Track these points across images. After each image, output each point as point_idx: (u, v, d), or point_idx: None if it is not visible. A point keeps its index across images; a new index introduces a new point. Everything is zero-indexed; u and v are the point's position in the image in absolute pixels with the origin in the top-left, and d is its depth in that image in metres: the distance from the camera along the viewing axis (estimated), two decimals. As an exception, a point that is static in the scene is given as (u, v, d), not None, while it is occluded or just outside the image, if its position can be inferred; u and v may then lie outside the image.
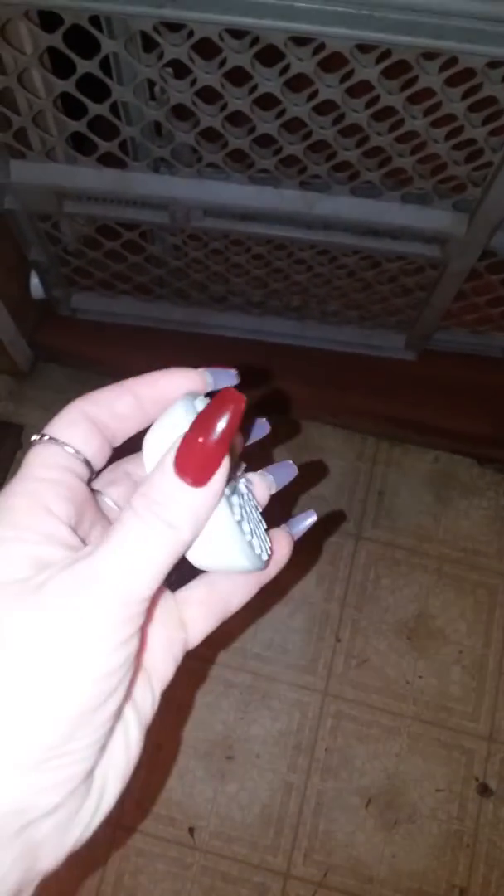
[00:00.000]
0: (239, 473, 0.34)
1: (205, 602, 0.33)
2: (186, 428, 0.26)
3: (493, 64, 0.68)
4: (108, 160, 0.89)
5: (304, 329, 1.26)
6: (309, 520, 0.37)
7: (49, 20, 0.72)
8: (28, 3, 0.69)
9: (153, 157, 0.88)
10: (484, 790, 1.15)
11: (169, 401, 0.30)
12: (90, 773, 0.27)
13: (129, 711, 0.29)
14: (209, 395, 0.30)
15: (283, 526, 0.36)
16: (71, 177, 0.91)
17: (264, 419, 0.36)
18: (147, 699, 0.30)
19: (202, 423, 0.26)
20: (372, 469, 1.32)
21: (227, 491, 0.30)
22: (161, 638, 0.31)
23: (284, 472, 0.37)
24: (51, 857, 0.26)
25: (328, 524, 1.29)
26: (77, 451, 0.30)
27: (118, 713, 0.27)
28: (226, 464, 0.26)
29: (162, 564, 0.26)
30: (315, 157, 0.85)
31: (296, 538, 0.36)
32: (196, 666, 1.19)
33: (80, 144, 0.90)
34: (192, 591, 0.33)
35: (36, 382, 1.37)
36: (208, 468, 0.26)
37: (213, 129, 0.82)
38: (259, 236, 1.00)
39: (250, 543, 0.30)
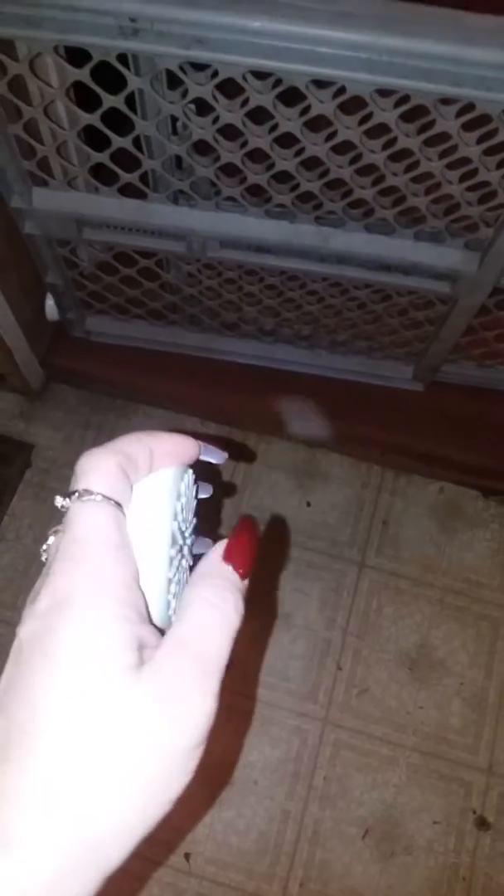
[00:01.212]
0: (188, 533, 0.37)
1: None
2: (176, 493, 0.33)
3: (509, 111, 0.70)
4: (128, 190, 0.91)
5: (314, 357, 1.27)
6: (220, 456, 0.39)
7: (76, 54, 0.74)
8: (58, 40, 0.71)
9: (173, 190, 0.90)
10: (481, 823, 1.15)
11: (168, 457, 0.34)
12: None
13: None
14: (194, 464, 0.36)
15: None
16: (91, 205, 0.93)
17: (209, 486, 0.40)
18: None
19: (246, 540, 0.33)
20: (377, 498, 1.33)
21: (173, 552, 0.33)
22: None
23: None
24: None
25: (332, 551, 1.30)
26: (117, 503, 0.31)
27: None
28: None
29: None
30: (331, 194, 0.87)
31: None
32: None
33: (101, 174, 0.93)
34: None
35: (47, 403, 1.38)
36: (250, 566, 0.33)
37: (232, 164, 0.84)
38: (273, 268, 1.02)
39: (168, 602, 0.33)
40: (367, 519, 1.32)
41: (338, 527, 1.31)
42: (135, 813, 0.26)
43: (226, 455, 0.38)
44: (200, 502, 0.39)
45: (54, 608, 0.27)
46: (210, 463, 0.38)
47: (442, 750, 1.19)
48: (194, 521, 0.38)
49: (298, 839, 1.14)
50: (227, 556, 0.32)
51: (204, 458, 0.37)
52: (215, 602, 0.30)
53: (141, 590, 0.30)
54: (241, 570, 0.32)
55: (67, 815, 0.25)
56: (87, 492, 0.30)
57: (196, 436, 0.36)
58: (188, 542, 0.37)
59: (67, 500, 0.30)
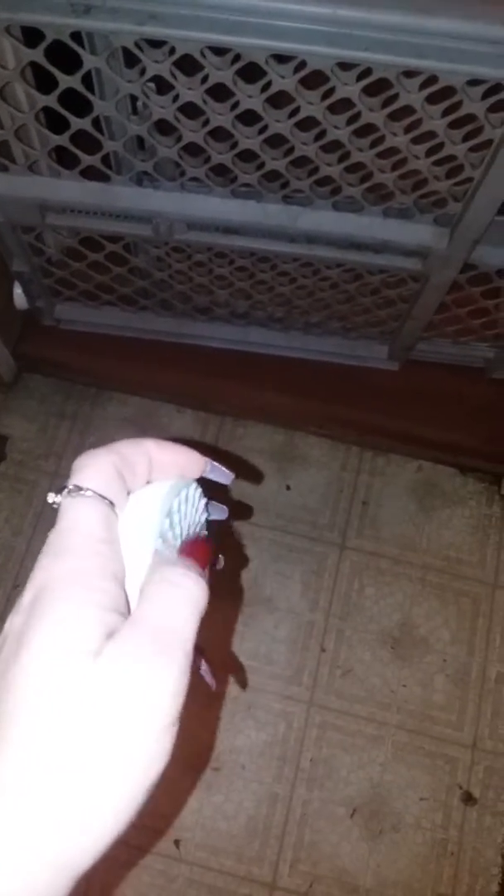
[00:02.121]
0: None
1: None
2: (167, 507, 0.32)
3: (473, 82, 0.69)
4: (91, 174, 0.89)
5: (289, 340, 1.26)
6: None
7: (32, 35, 0.72)
8: (9, 19, 0.69)
9: (136, 171, 0.88)
10: (468, 798, 1.16)
11: (169, 468, 0.34)
12: None
13: None
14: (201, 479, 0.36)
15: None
16: (54, 190, 0.91)
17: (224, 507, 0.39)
18: None
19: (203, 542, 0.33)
20: (356, 479, 1.33)
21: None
22: None
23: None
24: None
25: (313, 534, 1.29)
26: (111, 501, 0.31)
27: None
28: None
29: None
30: (297, 173, 0.86)
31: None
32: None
33: (63, 158, 0.91)
34: None
35: (20, 393, 1.36)
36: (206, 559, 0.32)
37: (195, 143, 0.82)
38: (243, 249, 1.01)
39: None
40: (346, 500, 1.32)
41: (318, 509, 1.31)
42: (108, 798, 0.25)
43: (233, 475, 0.37)
44: (213, 522, 0.38)
45: (34, 602, 0.28)
46: (218, 483, 0.37)
47: (426, 727, 1.19)
48: (202, 535, 0.37)
49: (287, 821, 1.14)
50: (183, 551, 0.32)
51: (209, 476, 0.36)
52: (176, 581, 0.30)
53: (123, 587, 0.30)
54: (199, 562, 0.31)
55: (36, 807, 0.24)
56: (78, 488, 0.30)
57: (206, 453, 0.36)
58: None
59: (59, 496, 0.30)
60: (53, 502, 0.30)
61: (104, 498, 0.30)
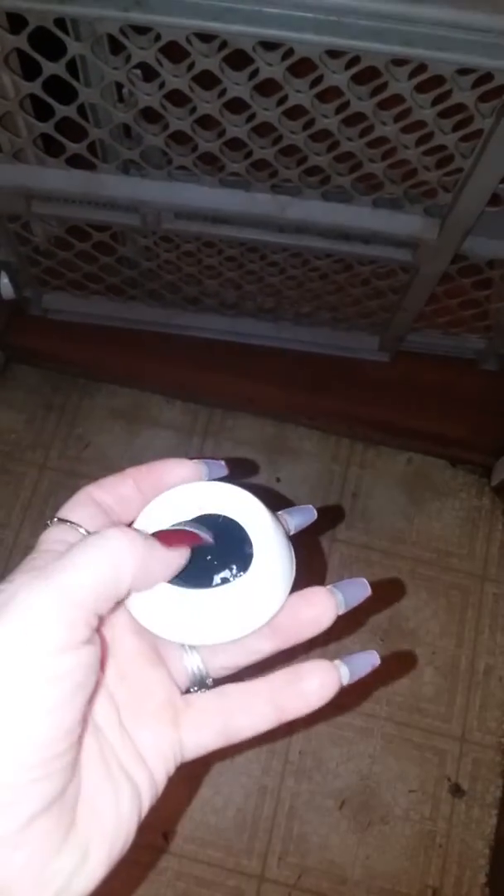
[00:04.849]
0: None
1: (206, 710, 0.33)
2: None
3: (463, 71, 0.68)
4: (78, 162, 0.88)
5: (279, 330, 1.25)
6: (370, 661, 0.35)
7: (15, 22, 0.71)
8: (-9, 4, 0.68)
9: (122, 160, 0.87)
10: (456, 790, 1.16)
11: (164, 486, 0.34)
12: (56, 803, 0.26)
13: (121, 777, 0.30)
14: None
15: (337, 662, 0.34)
16: (39, 178, 0.90)
17: (310, 506, 0.39)
18: (144, 779, 0.31)
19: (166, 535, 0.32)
20: (346, 471, 1.32)
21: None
22: (151, 731, 0.32)
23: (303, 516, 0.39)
24: None
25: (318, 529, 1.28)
26: (86, 531, 0.32)
27: (77, 738, 0.27)
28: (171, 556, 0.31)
29: (105, 575, 0.28)
30: (286, 162, 0.84)
31: (352, 681, 0.34)
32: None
33: (49, 146, 0.89)
34: (200, 695, 0.33)
35: (7, 384, 1.35)
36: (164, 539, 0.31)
37: (182, 131, 0.81)
38: (231, 239, 0.99)
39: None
40: (336, 493, 1.31)
41: (308, 501, 1.30)
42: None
43: (223, 463, 0.36)
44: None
45: None
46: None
47: (415, 719, 1.19)
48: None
49: (276, 814, 1.14)
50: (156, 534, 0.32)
51: (209, 475, 0.36)
52: (97, 542, 0.28)
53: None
54: (165, 541, 0.31)
55: None
56: (59, 520, 0.32)
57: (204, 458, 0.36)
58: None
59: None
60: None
61: (78, 525, 0.31)
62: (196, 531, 0.33)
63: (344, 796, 1.15)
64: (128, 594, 0.29)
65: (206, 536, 0.33)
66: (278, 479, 1.31)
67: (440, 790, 1.16)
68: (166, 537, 0.31)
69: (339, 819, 1.14)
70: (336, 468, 1.33)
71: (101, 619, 0.28)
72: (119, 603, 0.29)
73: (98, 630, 0.28)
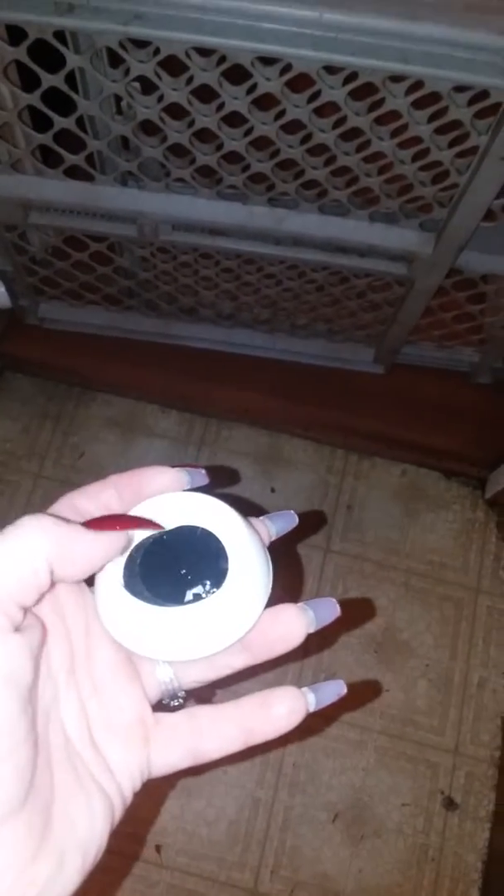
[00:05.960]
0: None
1: (176, 730, 0.32)
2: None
3: (459, 88, 0.68)
4: (76, 173, 0.88)
5: (274, 342, 1.25)
6: (336, 690, 0.34)
7: (15, 34, 0.71)
8: (-8, 17, 0.68)
9: (121, 171, 0.87)
10: (449, 804, 1.16)
11: (145, 495, 0.33)
12: (25, 807, 0.26)
13: (92, 787, 0.29)
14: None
15: (305, 689, 0.34)
16: (38, 189, 0.91)
17: (291, 511, 0.38)
18: (114, 791, 0.30)
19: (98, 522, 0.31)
20: (341, 482, 1.33)
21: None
22: (120, 746, 0.31)
23: (284, 521, 0.38)
24: None
25: (299, 534, 1.29)
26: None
27: (25, 734, 0.27)
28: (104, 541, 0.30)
29: (19, 566, 0.27)
30: (283, 175, 0.85)
31: (318, 708, 0.33)
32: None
33: (48, 157, 0.90)
34: (170, 715, 0.33)
35: (3, 393, 1.35)
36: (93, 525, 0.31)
37: (180, 144, 0.81)
38: (228, 251, 1.00)
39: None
40: (331, 504, 1.31)
41: (302, 512, 1.30)
42: None
43: (203, 472, 0.36)
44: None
45: None
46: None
47: (409, 732, 1.19)
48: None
49: (269, 827, 1.14)
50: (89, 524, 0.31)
51: (191, 483, 0.35)
52: (8, 532, 0.28)
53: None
54: (93, 526, 0.30)
55: None
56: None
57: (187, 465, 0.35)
58: None
59: None
60: None
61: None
62: (138, 515, 0.32)
63: (337, 809, 1.15)
64: (53, 582, 0.28)
65: (153, 521, 0.32)
66: (273, 490, 1.31)
67: (433, 804, 1.16)
68: (97, 523, 0.31)
69: (332, 832, 1.14)
70: (331, 479, 1.33)
71: (27, 609, 0.28)
72: (47, 591, 0.29)
73: (43, 615, 0.29)
